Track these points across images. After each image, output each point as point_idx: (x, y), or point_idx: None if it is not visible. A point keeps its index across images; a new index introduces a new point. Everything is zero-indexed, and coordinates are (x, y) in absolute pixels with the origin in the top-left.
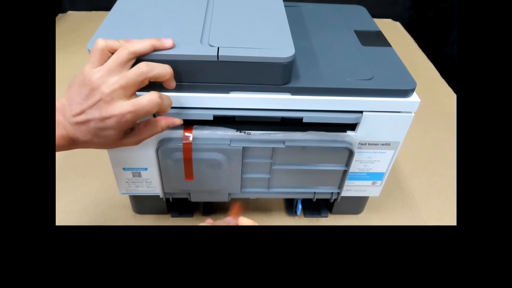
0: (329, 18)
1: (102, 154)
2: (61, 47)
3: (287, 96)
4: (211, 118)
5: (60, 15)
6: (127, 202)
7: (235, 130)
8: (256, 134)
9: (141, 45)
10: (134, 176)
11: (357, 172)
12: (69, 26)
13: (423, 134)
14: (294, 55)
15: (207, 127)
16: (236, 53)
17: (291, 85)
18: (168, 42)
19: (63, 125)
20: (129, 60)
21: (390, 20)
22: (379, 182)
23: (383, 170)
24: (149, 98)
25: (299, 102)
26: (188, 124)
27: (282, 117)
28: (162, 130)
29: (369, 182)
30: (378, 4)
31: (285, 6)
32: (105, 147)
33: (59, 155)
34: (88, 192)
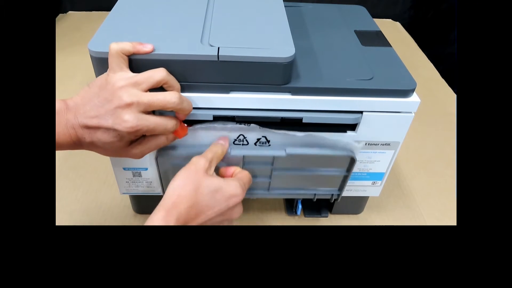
0: (329, 18)
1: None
2: (61, 47)
3: (287, 96)
4: (211, 118)
5: (60, 15)
6: (127, 202)
7: (234, 122)
8: (256, 128)
9: (172, 81)
10: (134, 176)
11: (357, 172)
12: (69, 26)
13: (423, 134)
14: (294, 55)
15: (204, 124)
16: (236, 53)
17: (291, 85)
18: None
19: (72, 124)
20: (156, 85)
21: (390, 20)
22: (379, 182)
23: (383, 170)
24: (166, 102)
25: (299, 102)
26: (188, 124)
27: (282, 117)
28: (169, 142)
29: (369, 182)
30: (378, 4)
31: (285, 6)
32: (109, 154)
33: (59, 155)
34: (88, 192)
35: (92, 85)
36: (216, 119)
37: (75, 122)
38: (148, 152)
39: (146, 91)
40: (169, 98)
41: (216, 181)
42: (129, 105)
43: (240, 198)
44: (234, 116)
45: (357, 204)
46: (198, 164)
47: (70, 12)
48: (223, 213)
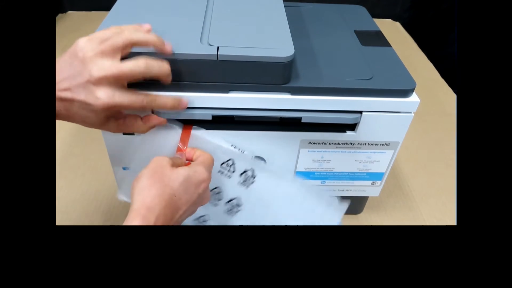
0: (329, 18)
1: (102, 154)
2: (61, 47)
3: (286, 96)
4: (210, 118)
5: (60, 15)
6: (127, 202)
7: (230, 145)
8: (248, 159)
9: (143, 38)
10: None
11: (356, 172)
12: (69, 26)
13: (423, 134)
14: (294, 55)
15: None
16: (236, 52)
17: (290, 84)
18: (168, 48)
19: None
20: (125, 47)
21: (390, 20)
22: (379, 182)
23: (383, 170)
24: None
25: (298, 102)
26: (187, 124)
27: (281, 117)
28: (145, 132)
29: (369, 182)
30: (378, 4)
31: (285, 6)
32: (86, 126)
33: (59, 155)
34: (88, 192)
35: (65, 54)
36: (215, 118)
37: None
38: (126, 131)
39: (118, 58)
40: (134, 66)
41: (182, 171)
42: (99, 80)
43: (208, 182)
44: (233, 116)
45: (357, 204)
46: (161, 160)
47: (70, 12)
48: (195, 202)
